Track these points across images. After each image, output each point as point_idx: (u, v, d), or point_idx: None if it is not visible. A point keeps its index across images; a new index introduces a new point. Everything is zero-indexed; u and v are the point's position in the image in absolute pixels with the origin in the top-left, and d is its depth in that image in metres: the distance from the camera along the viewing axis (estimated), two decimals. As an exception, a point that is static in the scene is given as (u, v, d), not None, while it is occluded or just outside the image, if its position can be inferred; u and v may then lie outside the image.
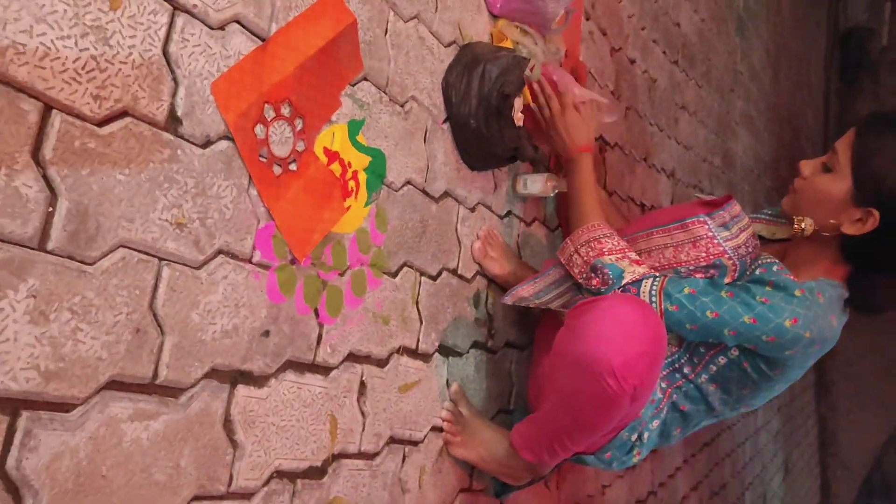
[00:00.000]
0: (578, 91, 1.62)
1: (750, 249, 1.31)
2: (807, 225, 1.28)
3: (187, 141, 0.91)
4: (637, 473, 2.45)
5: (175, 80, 0.89)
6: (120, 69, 0.82)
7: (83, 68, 0.79)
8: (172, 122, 0.89)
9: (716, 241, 1.27)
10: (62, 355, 0.77)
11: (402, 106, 1.32)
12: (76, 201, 0.78)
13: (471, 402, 1.49)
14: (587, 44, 2.11)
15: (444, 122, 1.44)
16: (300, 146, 1.09)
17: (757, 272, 1.27)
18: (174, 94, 0.89)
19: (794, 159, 5.24)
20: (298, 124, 1.09)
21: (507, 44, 1.58)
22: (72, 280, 0.78)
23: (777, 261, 1.29)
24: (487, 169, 1.58)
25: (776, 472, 4.99)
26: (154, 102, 0.86)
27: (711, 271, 1.27)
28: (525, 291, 1.44)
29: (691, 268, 1.28)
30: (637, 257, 1.32)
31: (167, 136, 0.88)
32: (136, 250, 0.85)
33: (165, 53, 0.88)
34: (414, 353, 1.35)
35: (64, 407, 0.78)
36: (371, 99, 1.24)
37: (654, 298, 1.25)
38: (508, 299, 1.45)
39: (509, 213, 1.69)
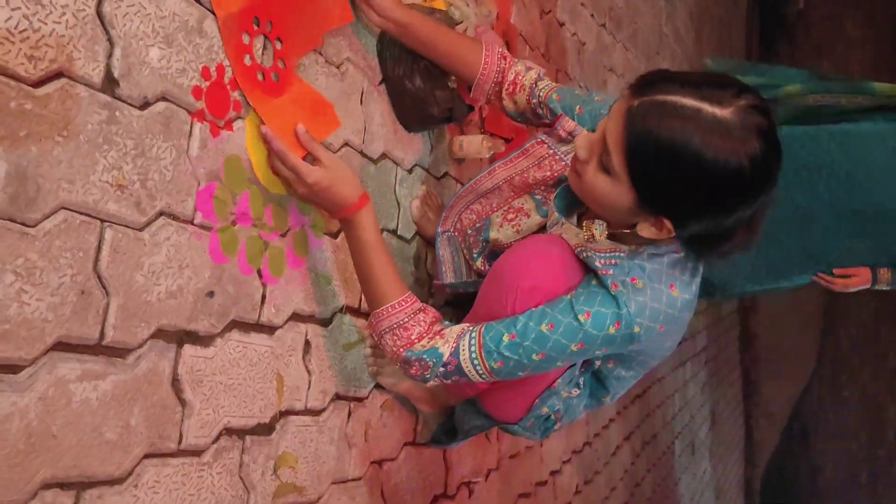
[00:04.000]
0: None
1: None
2: (599, 233, 1.12)
3: (125, 102, 0.90)
4: (573, 426, 2.54)
5: (110, 40, 0.88)
6: (54, 29, 0.82)
7: (16, 28, 0.78)
8: (109, 83, 0.88)
9: (557, 157, 1.31)
10: (7, 317, 0.77)
11: (337, 68, 1.32)
12: (15, 163, 0.78)
13: None
14: (517, 6, 2.14)
15: (380, 83, 1.46)
16: (280, 64, 1.16)
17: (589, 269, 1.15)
18: (110, 55, 0.89)
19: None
20: (278, 45, 1.15)
21: (440, 4, 1.59)
22: (14, 242, 0.78)
23: (599, 252, 1.14)
24: (424, 130, 1.60)
25: (703, 421, 5.23)
26: (90, 63, 0.86)
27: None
28: (447, 278, 1.49)
29: (542, 188, 1.31)
30: (441, 324, 1.20)
31: (105, 97, 0.88)
32: (77, 212, 0.85)
33: (99, 14, 0.87)
34: (357, 312, 1.38)
35: (12, 368, 0.78)
36: (307, 60, 1.24)
37: (475, 361, 1.14)
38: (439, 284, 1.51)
39: (446, 174, 1.72)
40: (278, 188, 1.17)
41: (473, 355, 1.14)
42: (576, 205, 1.25)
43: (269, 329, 1.16)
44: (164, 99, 0.96)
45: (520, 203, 1.38)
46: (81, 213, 0.85)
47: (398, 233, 1.52)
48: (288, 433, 1.20)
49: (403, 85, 1.44)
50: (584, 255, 1.15)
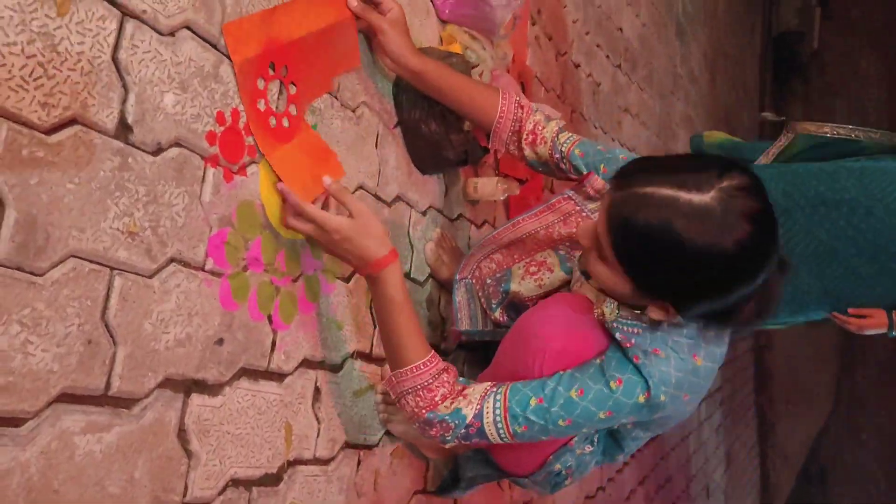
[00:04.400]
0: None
1: None
2: (608, 312, 1.11)
3: (138, 148, 0.89)
4: (586, 470, 2.49)
5: (125, 86, 0.88)
6: (68, 76, 0.81)
7: (30, 75, 0.77)
8: (123, 129, 0.88)
9: (584, 214, 1.28)
10: (11, 369, 0.75)
11: (353, 111, 1.32)
12: (25, 211, 0.76)
13: None
14: (533, 49, 2.14)
15: (395, 126, 1.45)
16: (293, 110, 1.16)
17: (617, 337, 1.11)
18: (124, 102, 0.88)
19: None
20: (292, 89, 1.16)
21: (456, 48, 1.59)
22: (21, 292, 0.76)
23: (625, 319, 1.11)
24: (438, 173, 1.59)
25: (718, 463, 5.13)
26: (104, 110, 0.85)
27: None
28: (463, 325, 1.45)
29: (567, 244, 1.28)
30: (461, 382, 1.16)
31: (118, 143, 0.87)
32: (87, 260, 0.83)
33: (115, 60, 0.86)
34: (368, 358, 1.36)
35: (14, 422, 0.76)
36: (322, 104, 1.24)
37: (499, 425, 1.10)
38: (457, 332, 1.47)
39: (460, 216, 1.71)
40: (291, 233, 1.16)
41: (498, 419, 1.10)
42: None
43: (279, 376, 1.14)
44: (177, 144, 0.95)
45: (542, 257, 1.35)
46: (91, 261, 0.84)
47: (411, 275, 1.50)
48: (296, 483, 1.17)
49: (419, 128, 1.43)
50: (607, 324, 1.12)
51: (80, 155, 0.82)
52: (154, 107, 0.92)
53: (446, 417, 1.11)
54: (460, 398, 1.13)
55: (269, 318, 1.12)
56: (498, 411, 1.10)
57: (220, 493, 1.02)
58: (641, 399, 1.06)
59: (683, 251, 0.95)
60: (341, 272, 1.28)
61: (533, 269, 1.36)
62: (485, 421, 1.10)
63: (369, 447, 1.36)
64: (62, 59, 0.80)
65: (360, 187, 1.34)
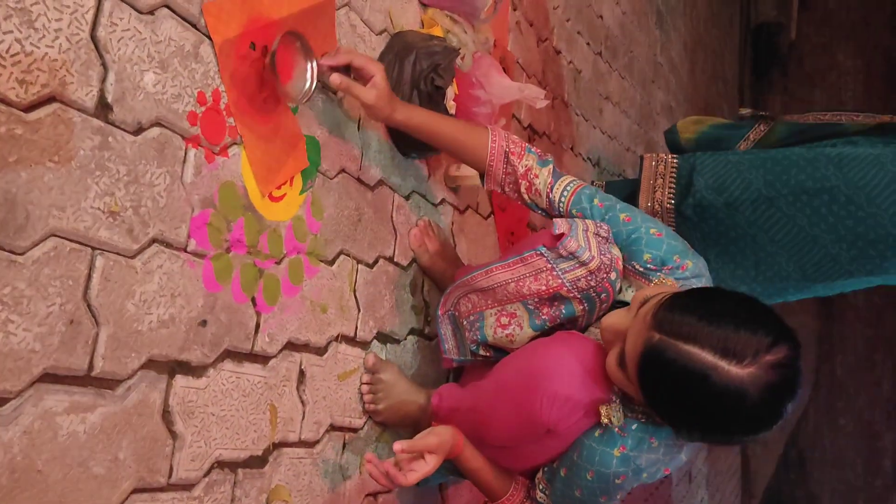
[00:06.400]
0: (507, 83, 1.65)
1: (593, 283, 1.22)
2: (615, 420, 1.16)
3: (118, 128, 0.89)
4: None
5: (104, 65, 0.87)
6: (46, 53, 0.80)
7: (7, 52, 0.76)
8: (102, 108, 0.87)
9: (554, 274, 1.24)
10: (-7, 348, 0.75)
11: (335, 93, 1.31)
12: (3, 189, 0.76)
13: (390, 362, 1.46)
14: (514, 34, 2.14)
15: (377, 110, 1.44)
16: None
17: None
18: (104, 80, 0.87)
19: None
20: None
21: (437, 31, 1.59)
22: (1, 270, 0.76)
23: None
24: (421, 157, 1.59)
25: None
26: (83, 88, 0.84)
27: (556, 303, 1.25)
28: (452, 354, 1.45)
29: (536, 300, 1.27)
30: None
31: (97, 122, 0.86)
32: (68, 239, 0.82)
33: (94, 38, 0.86)
34: (352, 341, 1.36)
35: (-4, 401, 0.76)
36: (304, 86, 1.23)
37: None
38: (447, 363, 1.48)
39: (443, 200, 1.71)
40: (274, 215, 1.16)
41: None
42: None
43: (263, 359, 1.14)
44: (158, 124, 0.94)
45: (513, 308, 1.31)
46: (72, 241, 0.83)
47: (395, 260, 1.50)
48: (281, 466, 1.17)
49: (401, 111, 1.43)
50: (613, 401, 1.17)
51: (60, 133, 0.82)
52: (134, 86, 0.91)
53: None
54: None
55: (253, 300, 1.11)
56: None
57: (205, 475, 1.02)
58: (618, 482, 1.17)
59: (704, 407, 1.01)
60: (324, 255, 1.28)
61: (504, 320, 1.32)
62: None
63: (354, 430, 1.36)
64: (40, 36, 0.79)
65: (343, 170, 1.33)
